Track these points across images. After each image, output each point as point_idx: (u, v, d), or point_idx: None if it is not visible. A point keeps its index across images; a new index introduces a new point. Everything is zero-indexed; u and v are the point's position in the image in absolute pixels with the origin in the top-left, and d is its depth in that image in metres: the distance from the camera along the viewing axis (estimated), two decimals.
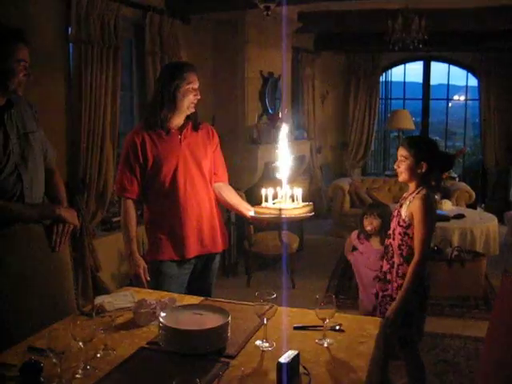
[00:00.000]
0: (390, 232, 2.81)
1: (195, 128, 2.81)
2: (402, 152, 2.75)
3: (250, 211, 2.73)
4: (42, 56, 3.54)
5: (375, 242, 3.61)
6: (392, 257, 2.76)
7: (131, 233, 2.76)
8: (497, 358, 1.64)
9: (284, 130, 2.48)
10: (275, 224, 2.63)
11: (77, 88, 3.90)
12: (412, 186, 2.77)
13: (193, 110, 2.74)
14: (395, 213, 2.80)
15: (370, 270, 3.42)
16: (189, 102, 2.69)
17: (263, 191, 2.48)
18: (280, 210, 2.39)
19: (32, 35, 2.40)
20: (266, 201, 2.48)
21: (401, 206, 2.77)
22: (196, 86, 2.72)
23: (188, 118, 2.78)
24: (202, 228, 2.79)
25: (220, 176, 2.92)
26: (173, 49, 4.89)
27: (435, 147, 2.85)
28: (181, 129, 2.76)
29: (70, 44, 3.90)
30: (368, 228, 3.61)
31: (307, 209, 2.46)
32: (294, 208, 2.43)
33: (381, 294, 2.81)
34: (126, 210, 2.77)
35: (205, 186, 2.81)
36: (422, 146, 2.74)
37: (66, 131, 3.97)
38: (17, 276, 2.23)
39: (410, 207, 2.69)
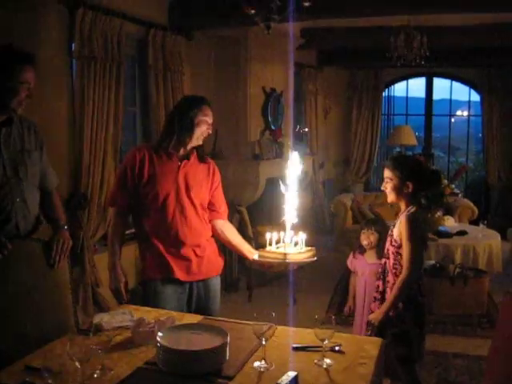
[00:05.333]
0: (386, 252, 2.81)
1: (202, 159, 2.85)
2: (386, 173, 2.76)
3: (252, 254, 2.82)
4: (46, 71, 3.55)
5: (370, 256, 3.60)
6: (388, 276, 2.75)
7: (115, 246, 2.77)
8: (502, 376, 1.63)
9: (295, 164, 2.52)
10: (278, 268, 2.74)
11: (79, 103, 3.92)
12: (402, 205, 2.77)
13: (200, 142, 2.79)
14: (390, 232, 2.81)
15: (365, 290, 3.45)
16: (201, 132, 2.74)
17: (267, 235, 2.57)
18: (285, 254, 2.47)
19: (35, 51, 2.43)
20: (270, 245, 2.56)
21: (394, 226, 2.77)
22: (210, 120, 2.77)
23: (193, 148, 2.82)
24: (188, 257, 2.76)
25: (222, 213, 2.94)
26: (176, 65, 4.91)
27: (419, 166, 2.85)
28: (182, 158, 2.78)
29: (74, 60, 3.92)
30: (364, 242, 3.62)
31: (311, 253, 2.55)
32: (299, 253, 2.51)
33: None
34: (113, 223, 2.81)
35: (196, 216, 2.79)
36: (406, 166, 2.75)
37: (69, 146, 3.98)
38: (14, 293, 2.23)
39: (399, 227, 2.70)
